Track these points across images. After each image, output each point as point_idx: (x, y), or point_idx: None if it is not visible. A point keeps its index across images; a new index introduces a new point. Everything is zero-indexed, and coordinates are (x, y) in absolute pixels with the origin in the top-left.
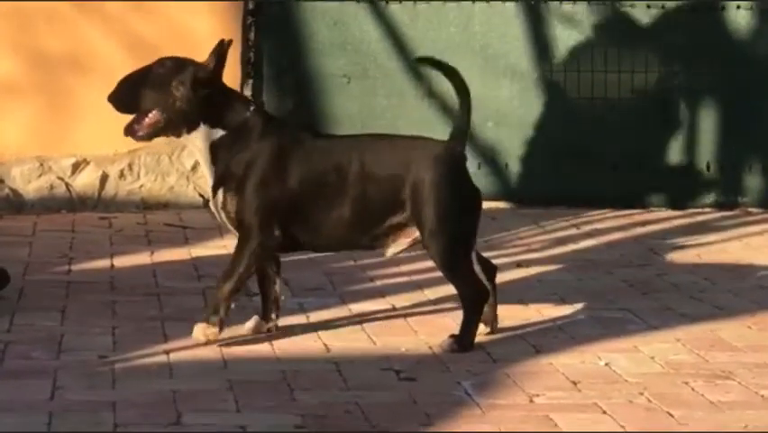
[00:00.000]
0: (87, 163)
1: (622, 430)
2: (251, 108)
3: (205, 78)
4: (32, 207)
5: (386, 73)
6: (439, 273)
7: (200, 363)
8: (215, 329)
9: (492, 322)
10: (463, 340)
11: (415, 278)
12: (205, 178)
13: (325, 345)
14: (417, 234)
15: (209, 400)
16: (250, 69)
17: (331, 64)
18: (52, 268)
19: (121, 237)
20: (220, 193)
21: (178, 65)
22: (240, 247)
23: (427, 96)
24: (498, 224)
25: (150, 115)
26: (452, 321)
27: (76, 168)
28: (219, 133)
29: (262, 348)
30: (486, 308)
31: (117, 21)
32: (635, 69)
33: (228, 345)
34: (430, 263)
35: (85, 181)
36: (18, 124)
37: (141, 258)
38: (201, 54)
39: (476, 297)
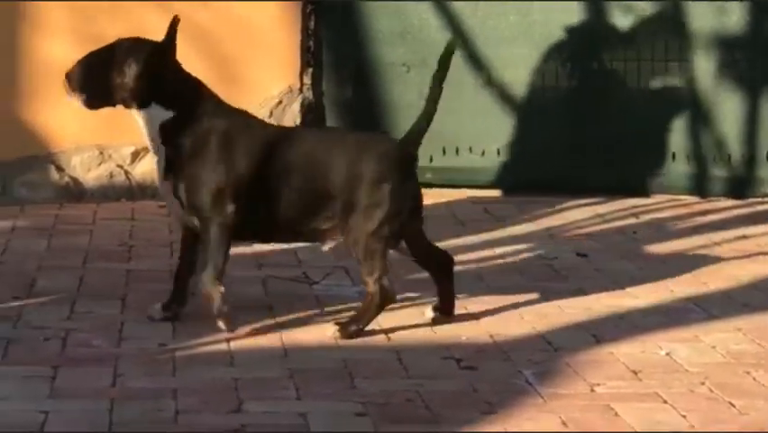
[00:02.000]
0: (147, 152)
1: (683, 420)
2: (203, 91)
3: (158, 56)
4: (92, 196)
5: None
6: (498, 264)
7: (261, 350)
8: (226, 320)
9: (447, 309)
10: (347, 328)
11: (474, 267)
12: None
13: (386, 333)
14: None
15: (270, 388)
16: (309, 57)
17: (390, 53)
18: (112, 256)
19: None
20: (171, 177)
21: (132, 43)
22: (203, 233)
23: (486, 85)
24: (558, 213)
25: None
26: (514, 310)
27: (135, 156)
28: (169, 114)
29: (323, 336)
30: (439, 297)
31: (177, 10)
32: (694, 58)
33: (289, 332)
34: (486, 252)
35: (144, 170)
36: (78, 113)
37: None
38: (261, 41)
39: (378, 296)
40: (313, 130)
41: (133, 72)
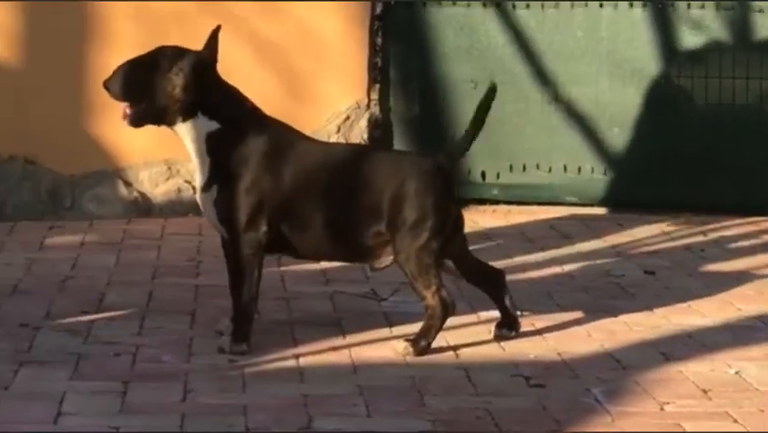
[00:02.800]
0: None
1: None
2: (247, 104)
3: (204, 66)
4: (160, 211)
5: (512, 78)
6: (565, 281)
7: (330, 367)
8: (243, 346)
9: (511, 325)
10: (417, 344)
11: (541, 284)
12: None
13: (455, 351)
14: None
15: (340, 405)
16: (376, 73)
17: (457, 69)
18: (181, 271)
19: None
20: (214, 189)
21: (177, 52)
22: (234, 249)
23: (554, 101)
24: (625, 230)
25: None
26: (581, 328)
27: None
28: (215, 125)
29: (391, 354)
30: (500, 313)
31: (244, 22)
32: (762, 75)
33: (357, 349)
34: (553, 269)
35: None
36: (146, 128)
37: (269, 262)
38: (329, 56)
39: (439, 309)
40: (354, 146)
41: (181, 81)
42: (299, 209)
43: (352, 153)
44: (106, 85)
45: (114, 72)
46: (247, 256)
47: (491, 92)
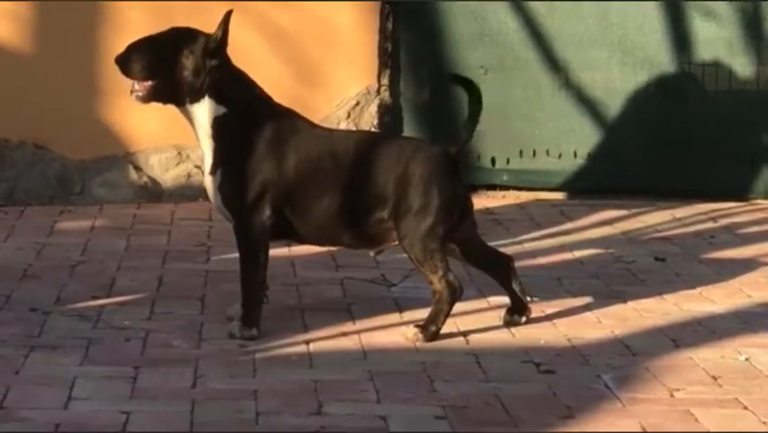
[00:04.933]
0: None
1: (764, 426)
2: (256, 90)
3: (214, 49)
4: (170, 196)
5: (523, 65)
6: (576, 267)
7: (340, 353)
8: (253, 331)
9: (522, 311)
10: (427, 330)
11: (551, 270)
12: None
13: (465, 336)
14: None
15: (350, 391)
16: (387, 59)
17: (468, 56)
18: (191, 257)
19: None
20: (219, 173)
21: (188, 34)
22: (237, 234)
23: (564, 87)
24: (635, 216)
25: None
26: (592, 314)
27: None
28: (222, 109)
29: (401, 339)
30: (510, 298)
31: (258, 13)
32: None
33: (368, 335)
34: (564, 255)
35: None
36: (156, 113)
37: (279, 248)
38: (339, 42)
39: (447, 293)
40: (360, 132)
41: (191, 64)
42: (303, 195)
43: (357, 139)
44: (118, 60)
45: (126, 49)
46: (251, 241)
47: (475, 89)
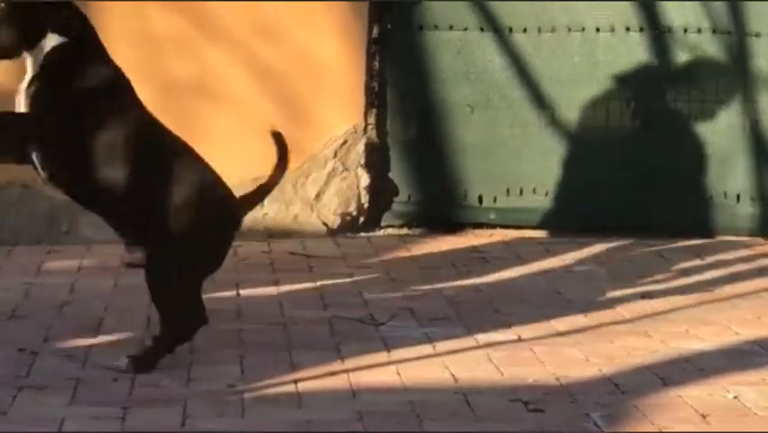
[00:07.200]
0: None
1: None
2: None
3: None
4: None
5: (509, 103)
6: (563, 305)
7: (329, 392)
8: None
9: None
10: (139, 361)
11: (540, 309)
12: None
13: (453, 375)
14: None
15: (339, 430)
16: (373, 97)
17: (454, 93)
18: None
19: (246, 266)
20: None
21: None
22: None
23: (550, 125)
24: (622, 255)
25: None
26: (580, 352)
27: None
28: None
29: (390, 378)
30: None
31: (243, 47)
32: (758, 97)
33: (356, 374)
34: (550, 293)
35: None
36: None
37: (267, 287)
38: (326, 80)
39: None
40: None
41: None
42: (84, 153)
43: (168, 137)
44: None
45: None
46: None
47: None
